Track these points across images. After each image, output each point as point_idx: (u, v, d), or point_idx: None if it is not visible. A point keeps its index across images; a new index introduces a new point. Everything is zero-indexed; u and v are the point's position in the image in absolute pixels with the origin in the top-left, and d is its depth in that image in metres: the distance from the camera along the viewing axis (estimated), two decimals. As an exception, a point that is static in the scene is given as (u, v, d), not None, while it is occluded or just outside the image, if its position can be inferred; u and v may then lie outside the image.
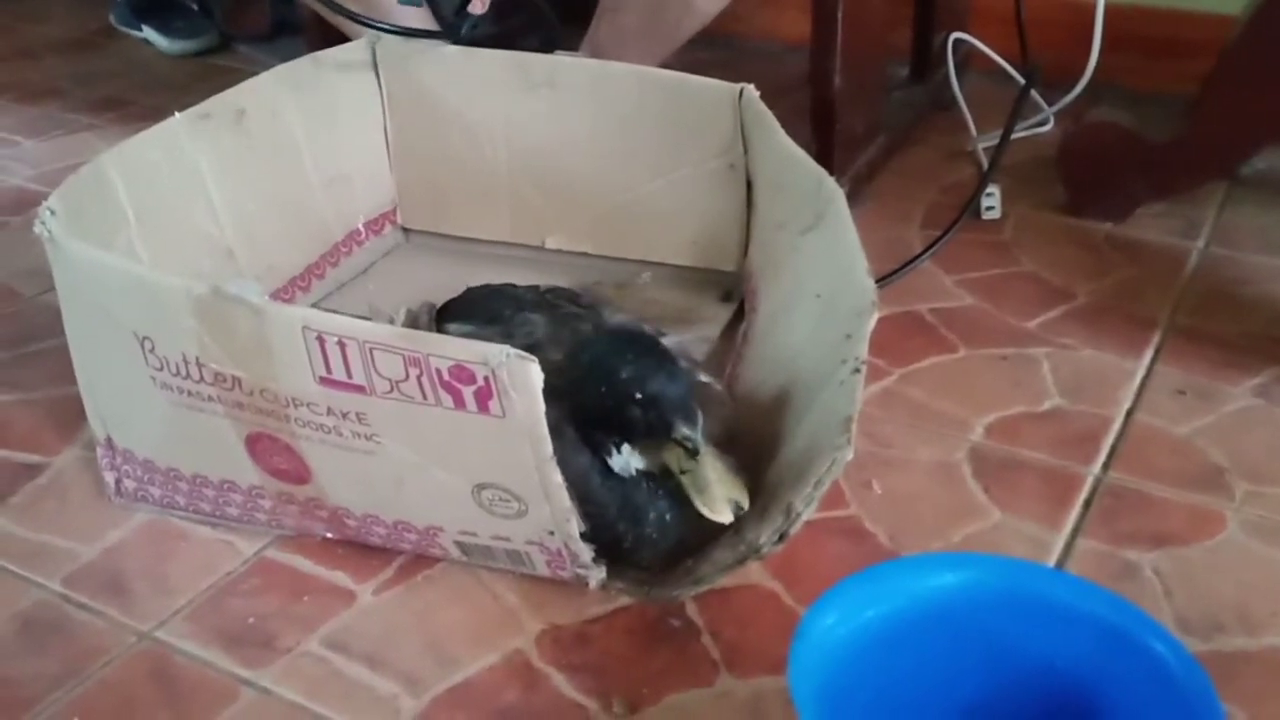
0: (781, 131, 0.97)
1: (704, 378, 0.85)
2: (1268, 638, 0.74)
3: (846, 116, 1.23)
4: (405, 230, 1.21)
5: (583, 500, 0.73)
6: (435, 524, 0.77)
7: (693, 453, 0.73)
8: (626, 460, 0.75)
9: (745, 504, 0.74)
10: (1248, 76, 1.17)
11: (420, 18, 1.18)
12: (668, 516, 0.75)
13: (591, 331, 0.88)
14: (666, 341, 0.87)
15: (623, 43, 1.25)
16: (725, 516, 0.73)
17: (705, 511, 0.73)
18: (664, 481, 0.75)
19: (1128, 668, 0.58)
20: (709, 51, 1.49)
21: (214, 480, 0.82)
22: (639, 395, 0.73)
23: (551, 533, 0.73)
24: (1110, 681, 0.59)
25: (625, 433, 0.75)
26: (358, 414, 0.71)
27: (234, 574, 0.82)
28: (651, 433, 0.74)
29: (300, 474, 0.77)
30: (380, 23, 1.09)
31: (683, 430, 0.73)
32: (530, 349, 0.66)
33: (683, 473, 0.74)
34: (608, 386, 0.74)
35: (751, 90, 1.01)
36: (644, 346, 0.77)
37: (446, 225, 1.19)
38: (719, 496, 0.73)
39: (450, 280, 0.98)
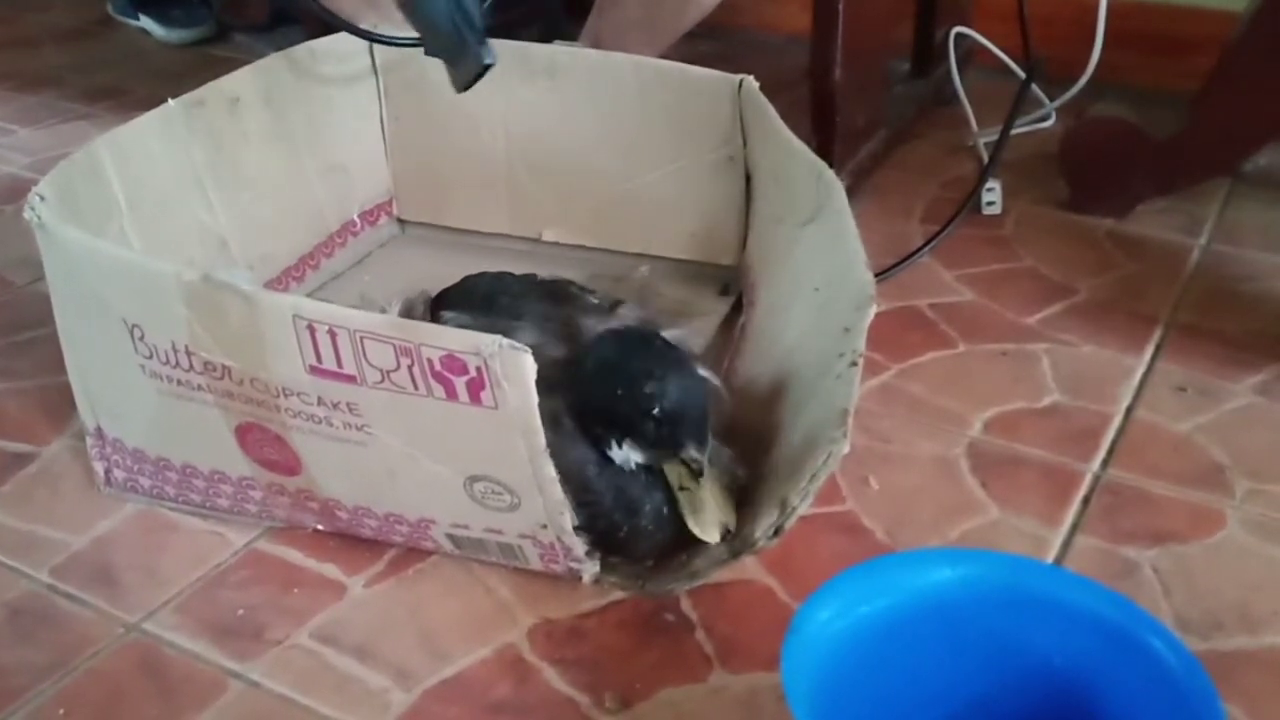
0: (781, 124, 0.96)
1: (702, 372, 0.84)
2: (1268, 636, 0.74)
3: (847, 110, 1.22)
4: (401, 221, 1.20)
5: (578, 489, 0.73)
6: (427, 516, 0.76)
7: (696, 474, 0.73)
8: (627, 454, 0.75)
9: (733, 527, 0.74)
10: (1250, 73, 1.17)
11: None
12: (664, 510, 0.75)
13: (590, 322, 0.87)
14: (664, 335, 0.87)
15: (623, 33, 1.24)
16: (714, 538, 0.73)
17: (696, 531, 0.73)
18: (663, 476, 0.75)
19: (1127, 666, 0.57)
20: (709, 43, 1.49)
21: (204, 471, 0.81)
22: (657, 410, 0.73)
23: (544, 526, 0.72)
24: (1109, 679, 0.58)
25: (631, 436, 0.74)
26: (349, 404, 0.70)
27: (224, 565, 0.81)
28: (660, 445, 0.74)
29: (291, 465, 0.76)
30: (383, 35, 1.06)
31: (691, 453, 0.73)
32: (526, 339, 0.65)
33: (681, 489, 0.74)
34: (626, 391, 0.74)
35: (751, 82, 1.00)
36: (671, 360, 0.76)
37: (443, 217, 1.18)
38: (711, 521, 0.74)
39: (446, 272, 0.97)
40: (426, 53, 0.88)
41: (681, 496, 0.74)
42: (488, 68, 0.83)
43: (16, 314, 1.12)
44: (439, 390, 0.67)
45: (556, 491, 0.70)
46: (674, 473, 0.74)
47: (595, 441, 0.75)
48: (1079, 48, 1.32)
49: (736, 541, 0.72)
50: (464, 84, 0.85)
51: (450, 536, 0.77)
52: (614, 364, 0.76)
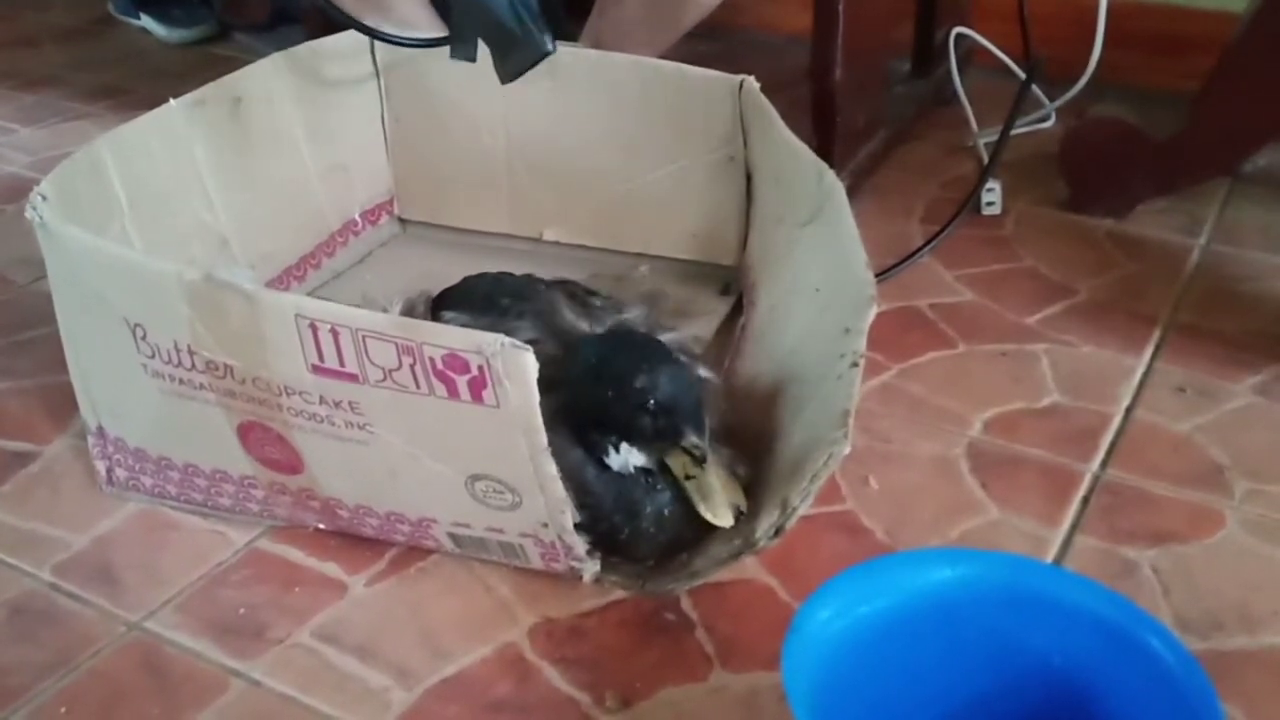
0: (782, 124, 0.96)
1: (702, 372, 0.84)
2: (1267, 637, 0.74)
3: (847, 110, 1.22)
4: (402, 221, 1.20)
5: (579, 492, 0.73)
6: (428, 515, 0.76)
7: (700, 460, 0.73)
8: (625, 458, 0.75)
9: (744, 507, 0.74)
10: (1250, 73, 1.17)
11: (433, 25, 1.17)
12: (665, 511, 0.75)
13: (589, 324, 0.87)
14: (663, 336, 0.87)
15: (623, 33, 1.24)
16: (728, 521, 0.73)
17: (709, 517, 0.73)
18: (664, 476, 0.75)
19: (1126, 666, 0.57)
20: (709, 43, 1.48)
21: (206, 470, 0.81)
22: (651, 403, 0.73)
23: (545, 525, 0.72)
24: (1108, 679, 0.58)
25: (629, 435, 0.74)
26: (350, 403, 0.70)
27: (225, 564, 0.81)
28: (659, 438, 0.74)
29: (292, 464, 0.76)
30: (391, 35, 1.06)
31: (692, 439, 0.73)
32: (527, 340, 0.65)
33: (688, 478, 0.74)
34: (617, 391, 0.74)
35: (752, 82, 1.00)
36: (654, 353, 0.77)
37: (444, 216, 1.19)
38: (722, 503, 0.74)
39: (447, 271, 0.97)
40: (451, 48, 0.87)
41: (688, 486, 0.74)
42: (545, 55, 0.82)
43: (18, 313, 1.12)
44: (441, 389, 0.67)
45: (558, 490, 0.70)
46: (678, 463, 0.74)
47: (591, 449, 0.75)
48: (1079, 48, 1.32)
49: (738, 542, 0.72)
50: (514, 73, 0.83)
51: (451, 535, 0.77)
52: (600, 367, 0.76)
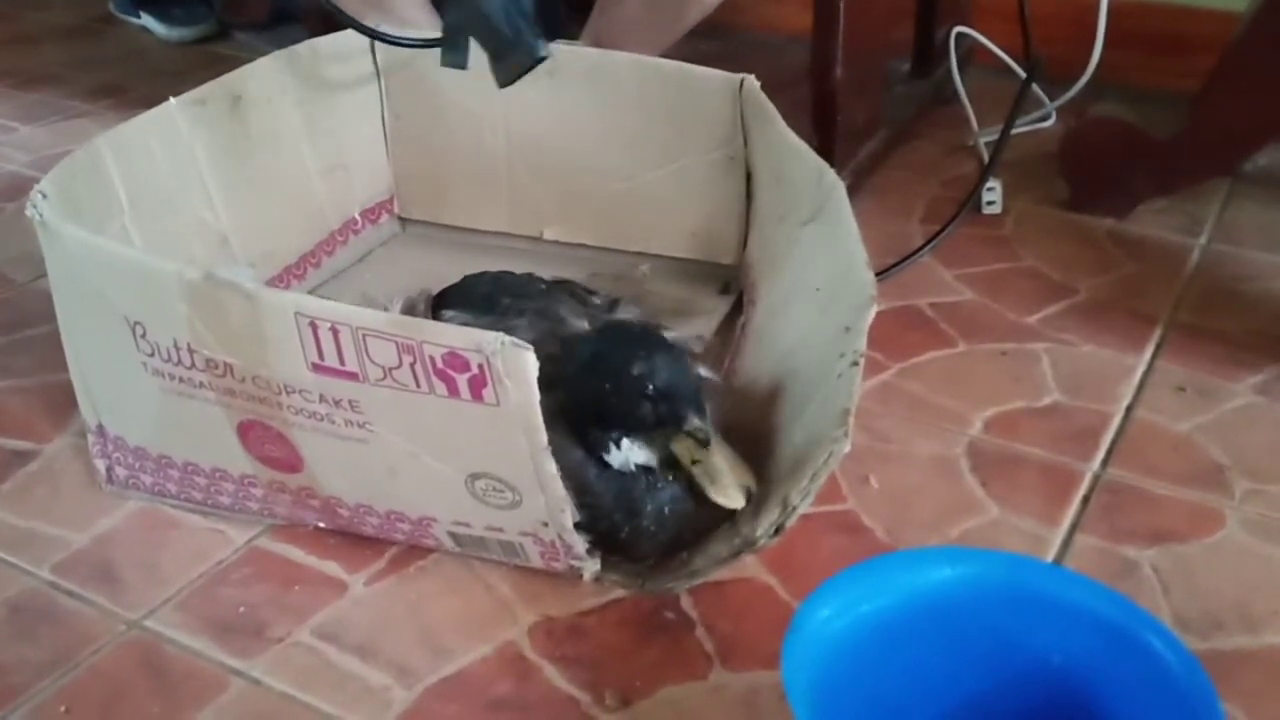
0: (782, 123, 0.96)
1: (702, 371, 0.84)
2: (1267, 636, 0.74)
3: (848, 109, 1.22)
4: (402, 220, 1.20)
5: (579, 491, 0.73)
6: (428, 514, 0.76)
7: (704, 443, 0.73)
8: (626, 456, 0.75)
9: (754, 488, 0.74)
10: (1251, 73, 1.17)
11: (433, 25, 1.17)
12: (665, 510, 0.75)
13: (587, 323, 0.87)
14: (663, 335, 0.87)
15: (624, 32, 1.24)
16: (739, 502, 0.73)
17: (719, 499, 0.73)
18: (664, 474, 0.75)
19: (1126, 665, 0.57)
20: (710, 42, 1.48)
21: (205, 468, 0.81)
22: (651, 389, 0.73)
23: (545, 524, 0.72)
24: (1108, 679, 0.58)
25: (630, 427, 0.74)
26: (350, 401, 0.70)
27: (225, 563, 0.81)
28: (661, 425, 0.74)
29: (292, 462, 0.76)
30: (391, 35, 1.05)
31: (694, 422, 0.73)
32: (527, 339, 0.65)
33: (694, 463, 0.74)
34: (615, 382, 0.74)
35: (752, 81, 1.00)
36: (649, 341, 0.77)
37: (444, 215, 1.19)
38: (731, 484, 0.74)
39: (447, 270, 0.97)
40: (441, 55, 0.87)
41: (695, 471, 0.74)
42: (540, 61, 0.82)
43: (18, 311, 1.12)
44: (441, 387, 0.67)
45: (558, 489, 0.70)
46: (682, 448, 0.74)
47: (592, 448, 0.75)
48: (1079, 48, 1.33)
49: (738, 541, 0.72)
50: (509, 78, 0.84)
51: (451, 534, 0.77)
52: (596, 360, 0.76)
